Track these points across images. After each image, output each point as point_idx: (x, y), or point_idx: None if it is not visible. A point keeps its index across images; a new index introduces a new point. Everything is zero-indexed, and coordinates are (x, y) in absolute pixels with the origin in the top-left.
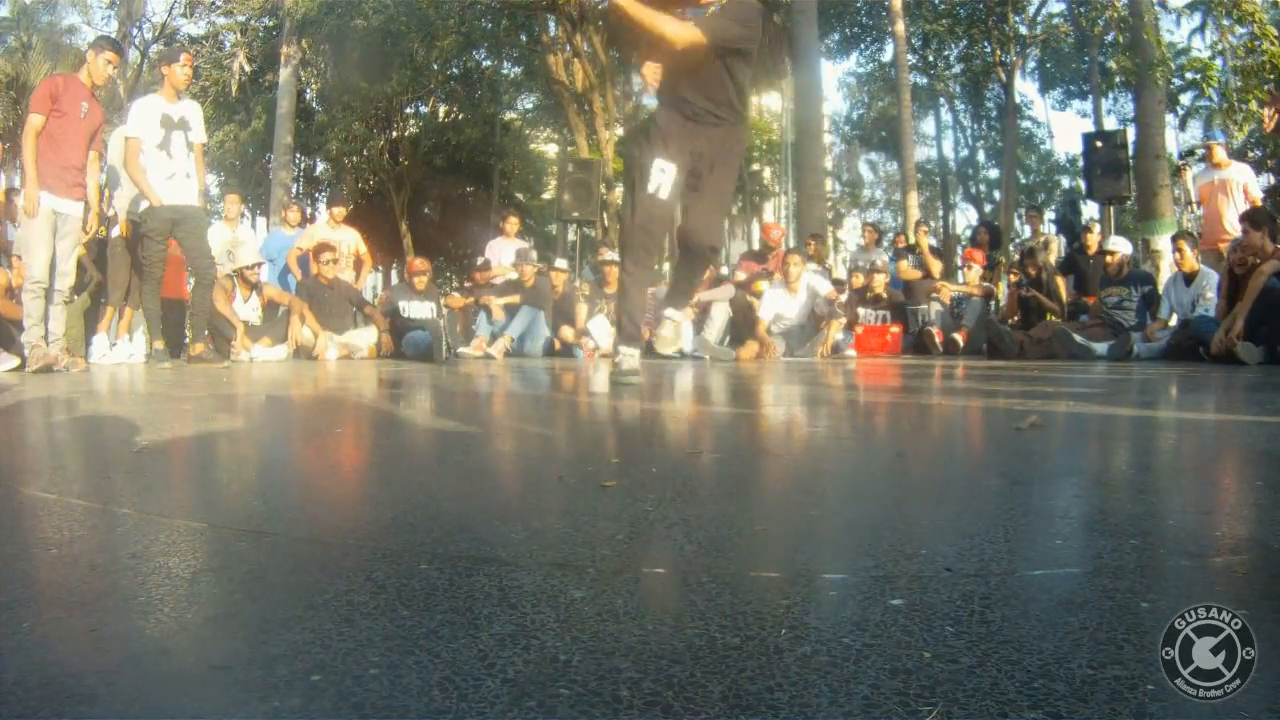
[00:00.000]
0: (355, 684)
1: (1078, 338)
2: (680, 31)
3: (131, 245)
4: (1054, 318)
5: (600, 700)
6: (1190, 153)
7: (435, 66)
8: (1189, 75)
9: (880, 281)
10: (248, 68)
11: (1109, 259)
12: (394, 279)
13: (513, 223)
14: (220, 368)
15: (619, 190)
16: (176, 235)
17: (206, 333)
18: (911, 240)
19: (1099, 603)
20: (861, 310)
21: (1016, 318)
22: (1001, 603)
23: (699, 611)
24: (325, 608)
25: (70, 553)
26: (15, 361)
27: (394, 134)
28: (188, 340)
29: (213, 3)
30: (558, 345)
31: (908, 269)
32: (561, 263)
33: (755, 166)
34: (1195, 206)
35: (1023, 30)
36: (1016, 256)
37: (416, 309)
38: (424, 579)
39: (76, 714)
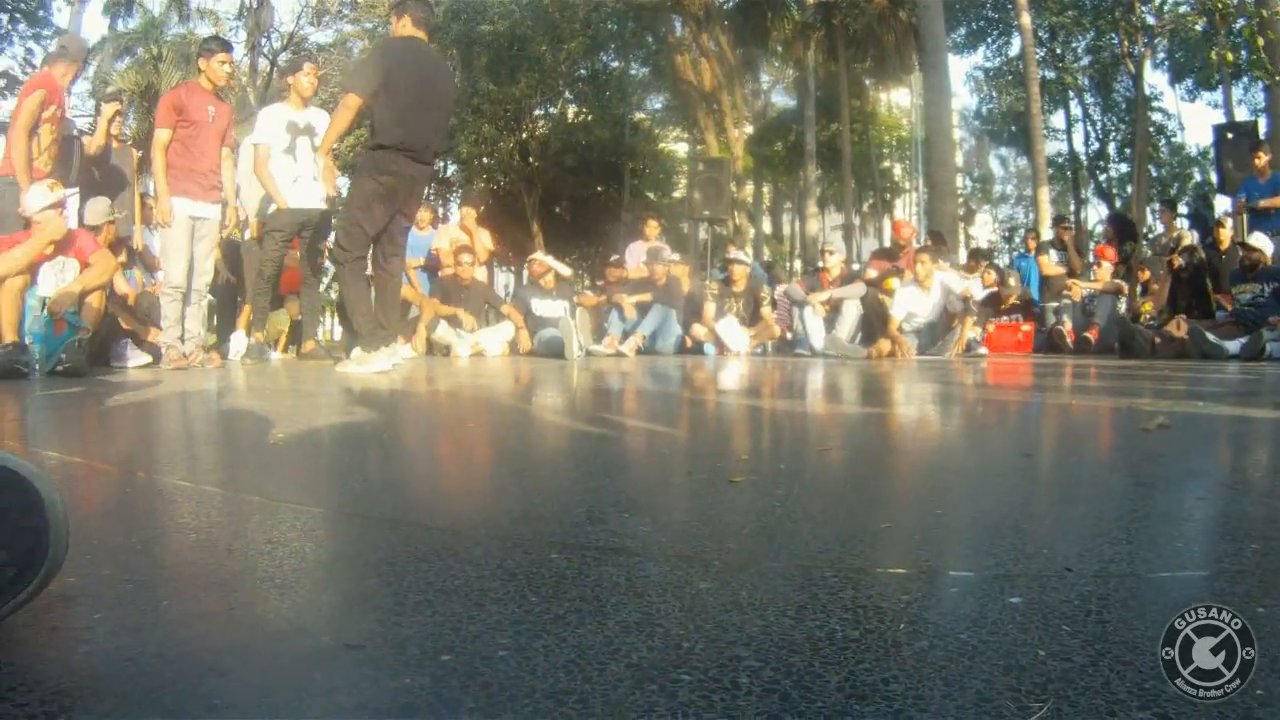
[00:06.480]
0: (484, 664)
1: (1210, 336)
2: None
3: None
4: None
5: (720, 686)
6: None
7: (563, 68)
8: None
9: (1012, 293)
10: None
11: (1250, 256)
12: (524, 279)
13: (653, 226)
14: (330, 364)
15: (749, 188)
16: (302, 235)
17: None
18: (1045, 237)
19: None
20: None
21: (1155, 312)
22: (1119, 603)
23: (820, 605)
24: (457, 593)
25: (208, 537)
26: (148, 358)
27: (523, 135)
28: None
29: (340, 11)
30: (689, 343)
31: (1050, 265)
32: (675, 257)
33: (886, 164)
34: None
35: (1150, 20)
36: (1149, 253)
37: (548, 308)
38: (553, 568)
39: (211, 686)
